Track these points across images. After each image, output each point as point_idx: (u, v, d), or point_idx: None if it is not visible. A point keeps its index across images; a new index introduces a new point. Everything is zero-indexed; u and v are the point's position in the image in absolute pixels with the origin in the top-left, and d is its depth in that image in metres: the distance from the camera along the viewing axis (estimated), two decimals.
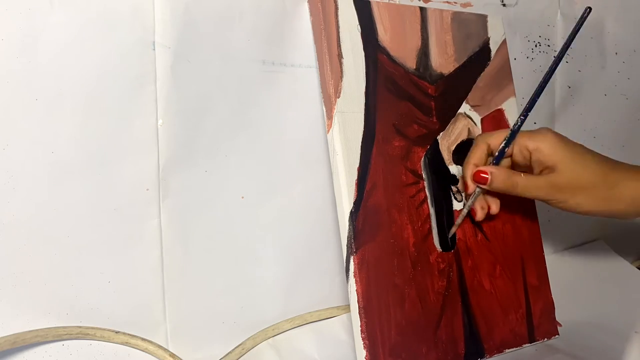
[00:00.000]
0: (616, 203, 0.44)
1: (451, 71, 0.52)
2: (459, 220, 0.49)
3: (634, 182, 0.44)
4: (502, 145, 0.46)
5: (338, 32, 0.46)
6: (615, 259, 0.72)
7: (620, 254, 0.73)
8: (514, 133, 0.46)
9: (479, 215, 0.48)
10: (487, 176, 0.45)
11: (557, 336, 0.54)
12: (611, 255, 0.73)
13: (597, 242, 0.75)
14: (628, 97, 0.72)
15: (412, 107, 0.49)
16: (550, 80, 0.59)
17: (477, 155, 0.47)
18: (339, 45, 0.46)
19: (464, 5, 0.58)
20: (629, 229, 0.77)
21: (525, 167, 0.47)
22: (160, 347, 0.48)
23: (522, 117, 0.46)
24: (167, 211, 0.47)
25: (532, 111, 0.67)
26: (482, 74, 0.55)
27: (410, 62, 0.50)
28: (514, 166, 0.48)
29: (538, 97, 0.46)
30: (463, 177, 0.49)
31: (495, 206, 0.48)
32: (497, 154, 0.46)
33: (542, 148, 0.45)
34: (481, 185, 0.46)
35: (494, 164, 0.46)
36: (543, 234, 0.56)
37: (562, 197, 0.44)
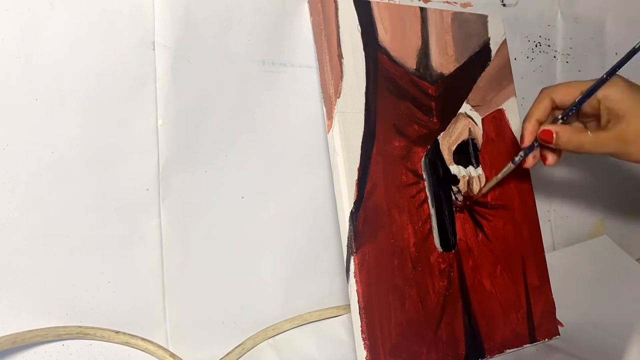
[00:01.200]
0: None
1: (451, 71, 0.52)
2: (498, 176, 0.50)
3: None
4: (577, 100, 0.44)
5: (338, 32, 0.46)
6: (620, 255, 0.71)
7: (625, 249, 0.72)
8: (593, 90, 0.43)
9: (530, 162, 0.46)
10: (552, 136, 0.43)
11: (558, 336, 0.54)
12: (616, 251, 0.72)
13: (602, 238, 0.74)
14: None
15: (412, 107, 0.49)
16: (550, 80, 0.60)
17: (540, 109, 0.46)
18: (339, 46, 0.46)
19: (464, 5, 0.58)
20: (633, 224, 0.77)
21: (593, 116, 0.45)
22: (160, 347, 0.48)
23: (605, 76, 0.43)
24: (167, 211, 0.47)
25: None
26: (482, 74, 0.54)
27: (411, 62, 0.50)
28: (581, 116, 0.46)
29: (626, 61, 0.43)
30: (522, 131, 0.47)
31: (551, 158, 0.46)
32: (569, 110, 0.44)
33: (611, 95, 0.43)
34: (546, 144, 0.44)
35: (562, 119, 0.45)
36: (545, 230, 0.56)
37: (631, 150, 0.42)
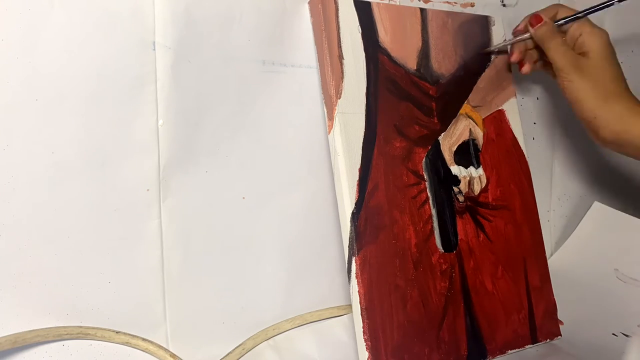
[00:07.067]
0: (603, 115, 0.48)
1: (452, 72, 0.52)
2: (503, 44, 0.55)
3: (624, 111, 0.47)
4: (573, 15, 0.51)
5: (339, 33, 0.46)
6: (618, 216, 0.68)
7: None
8: (587, 13, 0.50)
9: (515, 56, 0.54)
10: (541, 20, 0.51)
11: (559, 337, 0.54)
12: (613, 213, 0.69)
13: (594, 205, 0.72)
14: None
15: (413, 107, 0.49)
16: (550, 80, 0.60)
17: (546, 11, 0.52)
18: (339, 47, 0.46)
19: (464, 5, 0.58)
20: None
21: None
22: (160, 347, 0.48)
23: (599, 6, 0.50)
24: (167, 212, 0.47)
25: (531, 111, 0.68)
26: (482, 74, 0.55)
27: (411, 63, 0.50)
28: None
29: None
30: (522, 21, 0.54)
31: (527, 66, 0.54)
32: (561, 19, 0.51)
33: (590, 33, 0.49)
34: (532, 27, 0.51)
35: (556, 22, 0.51)
36: (545, 230, 0.56)
37: (573, 76, 0.49)
